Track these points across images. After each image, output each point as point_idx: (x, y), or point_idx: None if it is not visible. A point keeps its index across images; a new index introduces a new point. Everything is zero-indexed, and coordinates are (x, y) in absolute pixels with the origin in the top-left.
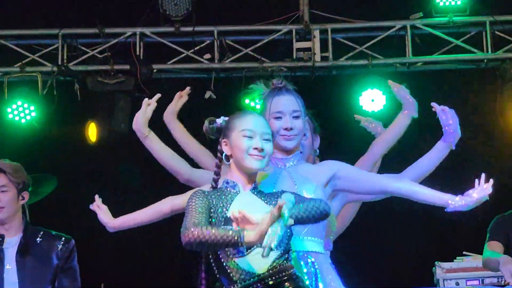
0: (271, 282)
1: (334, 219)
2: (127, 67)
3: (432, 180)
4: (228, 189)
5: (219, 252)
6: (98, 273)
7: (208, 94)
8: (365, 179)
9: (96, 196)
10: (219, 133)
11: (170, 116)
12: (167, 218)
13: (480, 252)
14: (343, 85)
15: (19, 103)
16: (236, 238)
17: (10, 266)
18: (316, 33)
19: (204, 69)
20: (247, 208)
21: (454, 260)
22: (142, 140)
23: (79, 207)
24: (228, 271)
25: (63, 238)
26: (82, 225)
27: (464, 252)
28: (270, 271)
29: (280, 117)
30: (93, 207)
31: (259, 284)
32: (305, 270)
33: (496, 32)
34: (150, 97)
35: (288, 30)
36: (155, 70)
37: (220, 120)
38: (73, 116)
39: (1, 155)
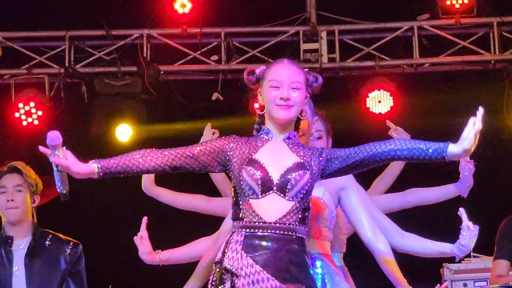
0: (272, 234)
1: (344, 221)
2: (134, 69)
3: (438, 179)
4: (263, 135)
5: (238, 191)
6: (106, 275)
7: (215, 95)
8: (360, 218)
9: (144, 219)
10: (257, 84)
11: (149, 188)
12: (175, 222)
13: (488, 253)
14: (350, 87)
15: (26, 105)
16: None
17: (19, 268)
18: (323, 35)
19: (211, 70)
20: (274, 155)
21: (462, 261)
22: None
23: (87, 209)
24: (241, 209)
25: (71, 243)
26: (90, 227)
27: (472, 253)
28: (277, 224)
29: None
30: (136, 240)
31: (261, 231)
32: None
33: (503, 33)
34: (158, 99)
35: (295, 31)
36: (162, 72)
37: (258, 71)
38: (80, 118)
39: (8, 157)
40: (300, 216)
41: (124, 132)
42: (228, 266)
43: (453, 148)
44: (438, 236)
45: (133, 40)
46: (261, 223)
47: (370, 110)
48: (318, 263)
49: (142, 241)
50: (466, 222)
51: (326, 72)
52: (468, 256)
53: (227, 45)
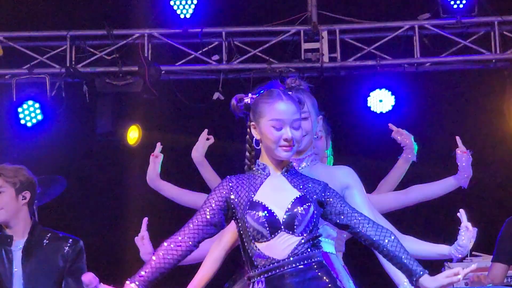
0: (289, 269)
1: None
2: (136, 68)
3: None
4: (259, 171)
5: (243, 236)
6: (110, 274)
7: (216, 95)
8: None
9: (145, 220)
10: (247, 112)
11: (154, 180)
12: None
13: (489, 252)
14: (351, 86)
15: (27, 104)
16: None
17: (17, 268)
18: (324, 34)
19: (212, 70)
20: (275, 192)
21: (464, 261)
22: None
23: (88, 208)
24: (250, 255)
25: (71, 240)
26: (91, 226)
27: (473, 252)
28: (291, 258)
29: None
30: (137, 241)
31: (278, 271)
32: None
33: (504, 32)
34: (158, 98)
35: (296, 31)
36: (163, 72)
37: (247, 99)
38: (81, 118)
39: (9, 157)
40: (311, 243)
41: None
42: None
43: (426, 281)
44: (437, 239)
45: (134, 40)
46: (275, 264)
47: (371, 109)
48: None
49: (143, 241)
50: (465, 223)
51: (327, 72)
52: (470, 255)
53: (228, 45)
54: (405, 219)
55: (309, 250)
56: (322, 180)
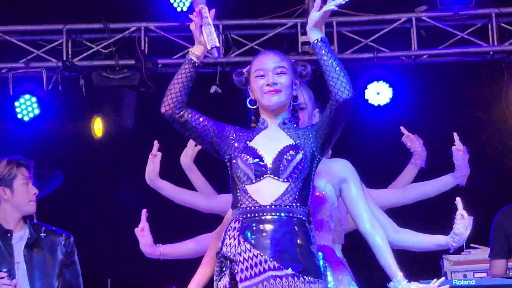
0: (268, 217)
1: (345, 214)
2: (132, 62)
3: (439, 171)
4: (259, 125)
5: (234, 178)
6: (105, 269)
7: (213, 88)
8: (360, 210)
9: (144, 211)
10: (247, 82)
11: (154, 179)
12: (177, 217)
13: (487, 244)
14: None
15: (24, 98)
16: (191, 61)
17: (19, 261)
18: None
19: (209, 63)
20: (269, 141)
21: (462, 253)
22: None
23: (86, 202)
24: (238, 195)
25: (64, 235)
26: (89, 221)
27: (471, 245)
28: (273, 206)
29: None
30: (137, 232)
31: (257, 215)
32: None
33: (502, 24)
34: (156, 92)
35: (293, 24)
36: (160, 65)
37: (245, 70)
38: (78, 112)
39: (5, 151)
40: (297, 196)
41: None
42: (226, 254)
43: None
44: (435, 232)
45: (130, 33)
46: (256, 207)
47: (369, 101)
48: (320, 256)
49: (143, 233)
50: (461, 211)
51: None
52: (468, 247)
53: (225, 38)
54: (402, 212)
55: (294, 203)
56: (320, 175)
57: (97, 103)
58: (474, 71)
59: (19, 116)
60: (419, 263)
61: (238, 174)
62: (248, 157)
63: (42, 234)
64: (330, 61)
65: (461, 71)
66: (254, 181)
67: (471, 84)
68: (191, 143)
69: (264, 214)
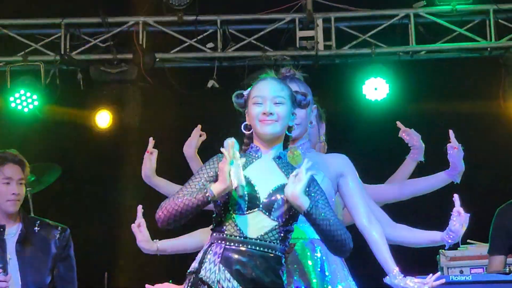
0: (252, 251)
1: (341, 209)
2: (130, 56)
3: (435, 165)
4: (252, 153)
5: (223, 206)
6: (103, 262)
7: (211, 83)
8: (357, 205)
9: (139, 207)
10: (246, 105)
11: (150, 177)
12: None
13: (484, 240)
14: (347, 74)
15: (22, 92)
16: (205, 194)
17: (11, 256)
18: (319, 22)
19: (207, 58)
20: (263, 174)
21: (458, 248)
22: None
23: (83, 196)
24: (224, 222)
25: (60, 228)
26: (86, 215)
27: (468, 240)
28: (258, 241)
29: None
30: (133, 228)
31: (240, 245)
32: (310, 263)
33: (499, 20)
34: (153, 86)
35: (291, 19)
36: (158, 59)
37: (245, 93)
38: (76, 105)
39: (4, 144)
40: (282, 235)
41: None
42: (205, 279)
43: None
44: (431, 228)
45: (129, 27)
46: (241, 238)
47: (367, 97)
48: (318, 248)
49: (140, 229)
50: (458, 208)
51: (322, 60)
52: (465, 243)
53: (223, 33)
54: (399, 208)
55: (278, 241)
56: (317, 169)
57: (102, 95)
58: (472, 67)
59: (17, 109)
60: (416, 259)
61: (229, 203)
62: (242, 187)
63: (36, 228)
64: (328, 226)
65: (458, 67)
66: (245, 212)
67: (468, 80)
68: (195, 133)
69: (249, 246)
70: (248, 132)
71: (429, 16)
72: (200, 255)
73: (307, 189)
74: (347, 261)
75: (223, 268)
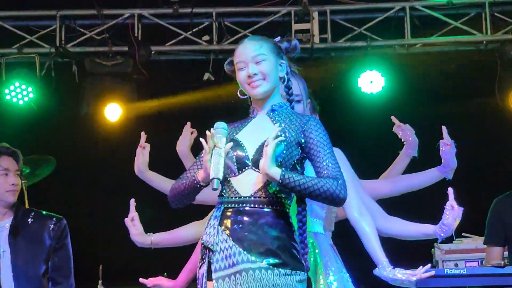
0: (247, 208)
1: None
2: (125, 48)
3: (429, 160)
4: (250, 115)
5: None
6: (97, 255)
7: (206, 76)
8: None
9: (132, 201)
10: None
11: (143, 171)
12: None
13: (479, 233)
14: (342, 67)
15: (17, 84)
16: (194, 181)
17: (4, 249)
18: (315, 15)
19: (203, 50)
20: (255, 132)
21: (453, 242)
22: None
23: (78, 189)
24: (223, 186)
25: (55, 218)
26: (81, 208)
27: (463, 234)
28: (252, 198)
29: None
30: (127, 222)
31: (237, 205)
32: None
33: (495, 13)
34: (148, 79)
35: (286, 11)
36: (153, 52)
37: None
38: (71, 98)
39: None
40: (277, 188)
41: (114, 111)
42: (206, 243)
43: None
44: (424, 221)
45: (124, 19)
46: (237, 198)
47: (362, 90)
48: (310, 241)
49: (133, 222)
50: (451, 202)
51: (318, 53)
52: (460, 236)
53: (219, 25)
54: (392, 201)
55: (274, 195)
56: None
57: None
58: (467, 61)
59: (11, 101)
60: (410, 252)
61: (225, 169)
62: (231, 150)
63: (30, 219)
64: (308, 188)
65: (454, 61)
66: (236, 173)
67: (464, 73)
68: (186, 131)
69: (244, 205)
70: (245, 97)
71: (425, 9)
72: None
73: (303, 134)
74: (341, 254)
75: (222, 229)
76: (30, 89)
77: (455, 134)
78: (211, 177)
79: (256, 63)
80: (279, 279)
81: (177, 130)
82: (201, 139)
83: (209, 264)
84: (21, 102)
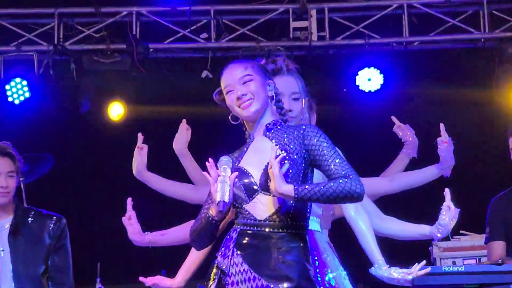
0: (263, 232)
1: None
2: (124, 46)
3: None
4: (248, 140)
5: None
6: (95, 253)
7: (204, 73)
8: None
9: (129, 200)
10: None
11: (141, 172)
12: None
13: (477, 231)
14: (340, 65)
15: (15, 82)
16: (209, 218)
17: (4, 248)
18: (313, 13)
19: (201, 48)
20: (255, 155)
21: (451, 239)
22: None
23: (75, 186)
24: (238, 213)
25: (54, 217)
26: (79, 205)
27: (461, 231)
28: (267, 222)
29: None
30: (124, 221)
31: (253, 228)
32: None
33: (493, 11)
34: (146, 76)
35: (285, 9)
36: (151, 50)
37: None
38: (69, 95)
39: None
40: (292, 209)
41: (112, 109)
42: (220, 264)
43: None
44: (421, 221)
45: (122, 17)
46: (252, 221)
47: (360, 88)
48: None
49: (131, 221)
50: (448, 202)
51: (316, 50)
52: (458, 234)
53: (217, 23)
54: (388, 201)
55: (288, 218)
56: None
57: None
58: (465, 58)
59: (10, 99)
60: (408, 250)
61: (234, 198)
62: (237, 180)
63: (30, 218)
64: (325, 194)
65: (452, 58)
66: (248, 201)
67: (462, 71)
68: (182, 128)
69: (259, 228)
70: (236, 123)
71: (423, 6)
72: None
73: (304, 144)
74: (338, 252)
75: (237, 252)
76: (28, 86)
77: (453, 132)
78: (217, 201)
79: (243, 83)
80: None
81: (175, 129)
82: (204, 173)
83: (219, 284)
84: (19, 100)
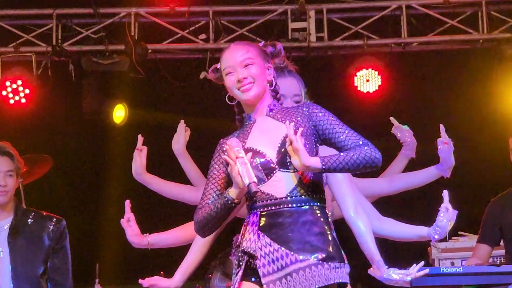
0: (285, 209)
1: (329, 201)
2: (122, 47)
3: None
4: (246, 122)
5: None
6: (94, 254)
7: (203, 74)
8: (344, 195)
9: (127, 202)
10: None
11: (141, 174)
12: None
13: (476, 232)
14: (338, 66)
15: (14, 83)
16: (225, 201)
17: (3, 248)
18: (312, 13)
19: (199, 49)
20: (263, 135)
21: (450, 240)
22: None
23: (74, 187)
24: (256, 195)
25: (54, 219)
26: (77, 206)
27: (459, 232)
28: (288, 198)
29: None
30: (123, 223)
31: (274, 208)
32: None
33: (491, 12)
34: (145, 77)
35: (283, 10)
36: (150, 51)
37: (219, 65)
38: (67, 96)
39: None
40: (310, 183)
41: (111, 110)
42: (247, 249)
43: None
44: (419, 222)
45: (120, 18)
46: (273, 200)
47: (358, 89)
48: None
49: (129, 223)
50: (446, 204)
51: (314, 51)
52: (456, 234)
53: (215, 24)
54: (386, 202)
55: (308, 192)
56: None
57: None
58: (464, 59)
59: (8, 100)
60: (407, 250)
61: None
62: (252, 159)
63: (30, 219)
64: (349, 162)
65: (450, 59)
66: (266, 180)
67: (460, 72)
68: (180, 128)
69: (281, 206)
70: (233, 103)
71: (421, 7)
72: (242, 228)
73: (310, 121)
74: None
75: (262, 234)
76: (26, 87)
77: (452, 133)
78: (247, 184)
79: (244, 66)
80: (330, 272)
81: (173, 130)
82: (224, 156)
83: (246, 269)
84: (17, 100)
